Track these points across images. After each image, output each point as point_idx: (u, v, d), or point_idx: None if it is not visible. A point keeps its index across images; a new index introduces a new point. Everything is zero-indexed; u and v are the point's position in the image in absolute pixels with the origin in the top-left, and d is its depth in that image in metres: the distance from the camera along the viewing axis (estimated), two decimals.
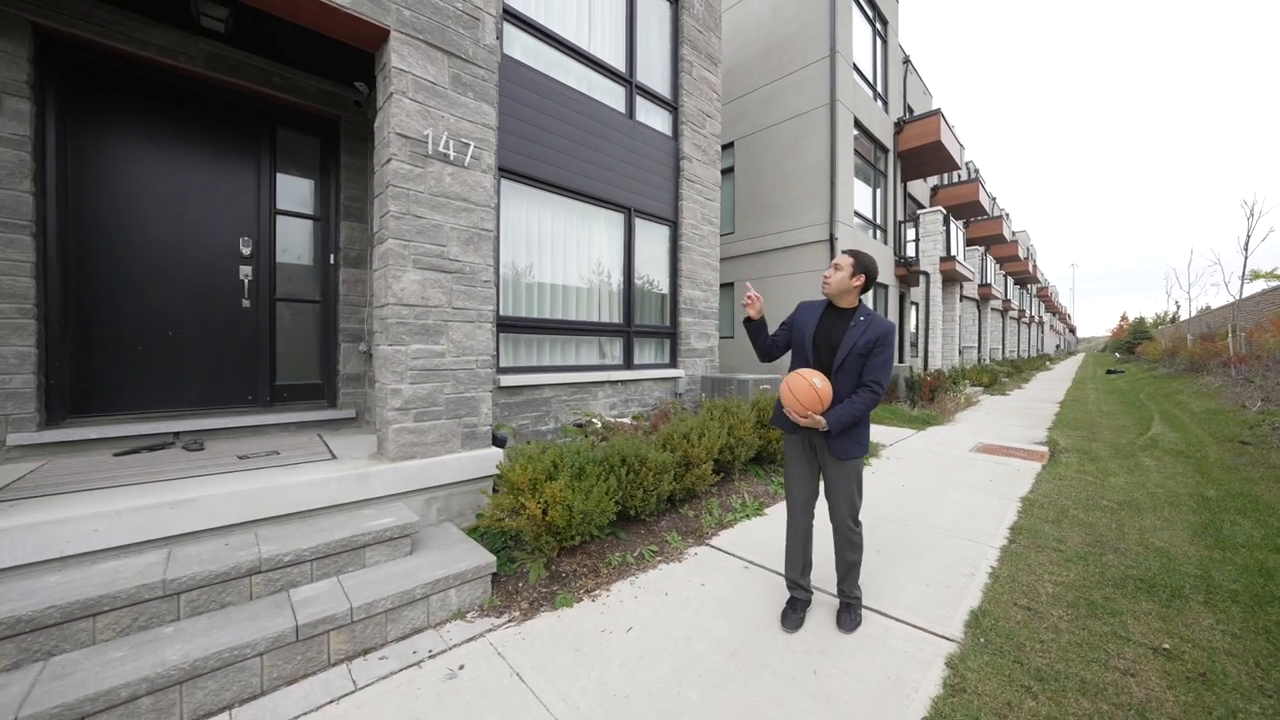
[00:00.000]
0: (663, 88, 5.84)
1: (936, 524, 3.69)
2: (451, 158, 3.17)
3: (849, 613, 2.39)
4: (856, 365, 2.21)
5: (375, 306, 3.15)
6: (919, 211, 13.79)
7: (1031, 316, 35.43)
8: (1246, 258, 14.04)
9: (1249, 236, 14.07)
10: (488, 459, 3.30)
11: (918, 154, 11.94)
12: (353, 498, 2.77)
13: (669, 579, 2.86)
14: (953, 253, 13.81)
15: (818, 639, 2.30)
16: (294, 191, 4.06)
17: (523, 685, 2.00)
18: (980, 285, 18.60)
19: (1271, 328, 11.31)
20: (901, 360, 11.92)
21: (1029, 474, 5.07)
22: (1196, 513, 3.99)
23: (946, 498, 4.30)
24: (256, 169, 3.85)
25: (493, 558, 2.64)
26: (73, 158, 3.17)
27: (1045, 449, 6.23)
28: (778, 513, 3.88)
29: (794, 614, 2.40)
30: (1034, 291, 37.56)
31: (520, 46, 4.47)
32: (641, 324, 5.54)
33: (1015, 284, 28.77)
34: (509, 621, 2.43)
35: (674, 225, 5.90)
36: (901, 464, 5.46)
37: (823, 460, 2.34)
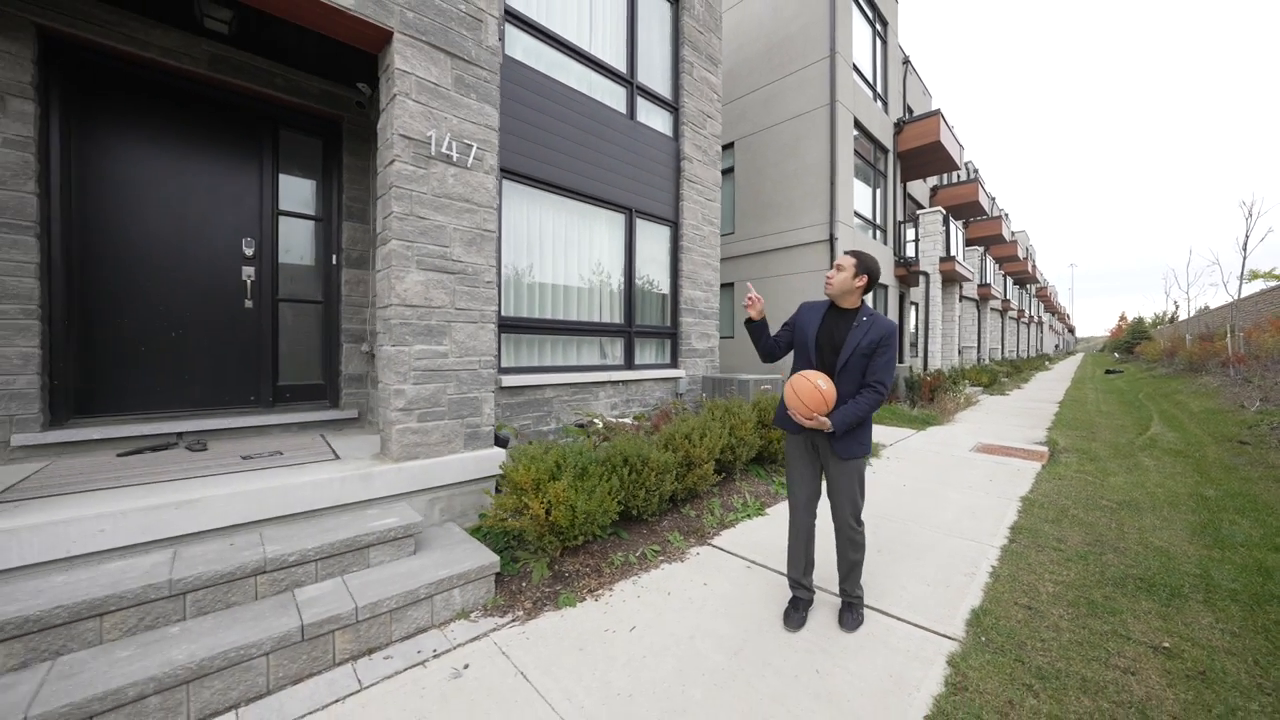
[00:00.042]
0: (663, 88, 5.85)
1: (937, 523, 3.70)
2: (454, 159, 3.18)
3: (851, 612, 2.41)
4: (860, 366, 2.22)
5: (379, 307, 3.16)
6: (919, 212, 13.81)
7: (1030, 316, 35.49)
8: (1245, 258, 14.08)
9: (1247, 237, 14.11)
10: (490, 459, 3.31)
11: (917, 154, 11.96)
12: (356, 498, 2.78)
13: (671, 578, 2.87)
14: (952, 253, 13.83)
15: (820, 638, 2.31)
16: (296, 192, 4.07)
17: (527, 684, 2.01)
18: (980, 285, 18.63)
19: (1270, 328, 11.35)
20: (901, 360, 11.94)
21: (1029, 474, 5.09)
22: (1195, 512, 4.01)
23: (947, 497, 4.32)
24: (259, 170, 3.86)
25: (496, 557, 2.65)
26: (76, 159, 3.17)
27: (1045, 449, 6.25)
28: (779, 512, 3.90)
29: (796, 613, 2.41)
30: (1033, 291, 37.63)
31: (522, 47, 4.48)
32: (642, 324, 5.56)
33: (1014, 284, 28.81)
34: (513, 621, 2.44)
35: (675, 225, 5.91)
36: (902, 464, 5.47)
37: (825, 460, 2.35)
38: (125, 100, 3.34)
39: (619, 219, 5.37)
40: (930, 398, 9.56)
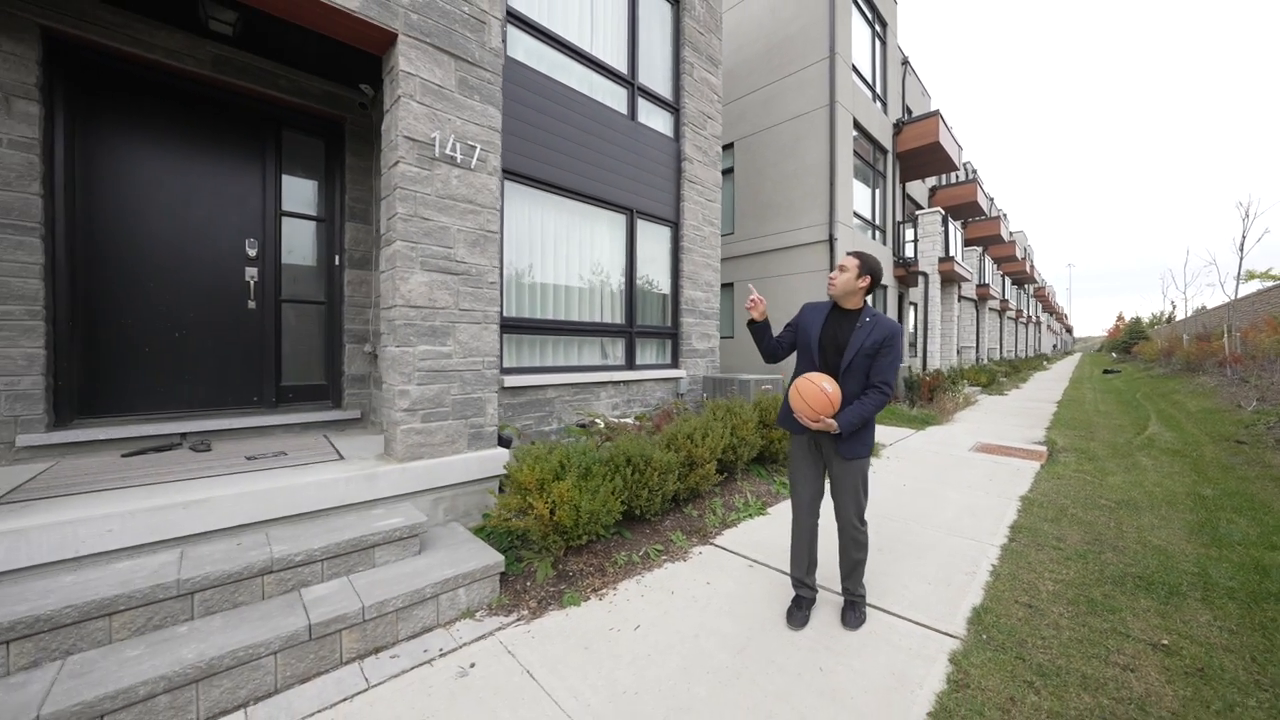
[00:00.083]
0: (664, 89, 5.87)
1: (937, 523, 3.73)
2: (458, 160, 3.19)
3: (853, 610, 2.43)
4: (863, 366, 2.24)
5: (383, 308, 3.17)
6: (917, 212, 13.85)
7: (1029, 316, 35.59)
8: (1242, 258, 14.15)
9: (1244, 237, 14.18)
10: (494, 459, 3.33)
11: (916, 155, 11.99)
12: (361, 498, 2.79)
13: (675, 578, 2.89)
14: (951, 253, 13.88)
15: (823, 636, 2.33)
16: (299, 193, 4.08)
17: (534, 683, 2.03)
18: (978, 285, 18.69)
19: (1266, 328, 11.41)
20: (900, 360, 11.97)
21: (1028, 473, 5.12)
22: (1193, 511, 4.04)
23: (947, 497, 4.34)
24: (262, 171, 3.87)
25: (501, 557, 2.66)
26: (80, 160, 3.18)
27: (1044, 448, 6.28)
28: (780, 512, 3.92)
29: (799, 612, 2.43)
30: (1031, 291, 37.72)
31: (523, 48, 4.49)
32: (643, 324, 5.57)
33: (1013, 284, 28.90)
34: (518, 620, 2.46)
35: (675, 226, 5.93)
36: (902, 464, 5.50)
37: (828, 460, 2.37)
38: (129, 101, 3.34)
39: (620, 219, 5.39)
40: (929, 398, 9.60)
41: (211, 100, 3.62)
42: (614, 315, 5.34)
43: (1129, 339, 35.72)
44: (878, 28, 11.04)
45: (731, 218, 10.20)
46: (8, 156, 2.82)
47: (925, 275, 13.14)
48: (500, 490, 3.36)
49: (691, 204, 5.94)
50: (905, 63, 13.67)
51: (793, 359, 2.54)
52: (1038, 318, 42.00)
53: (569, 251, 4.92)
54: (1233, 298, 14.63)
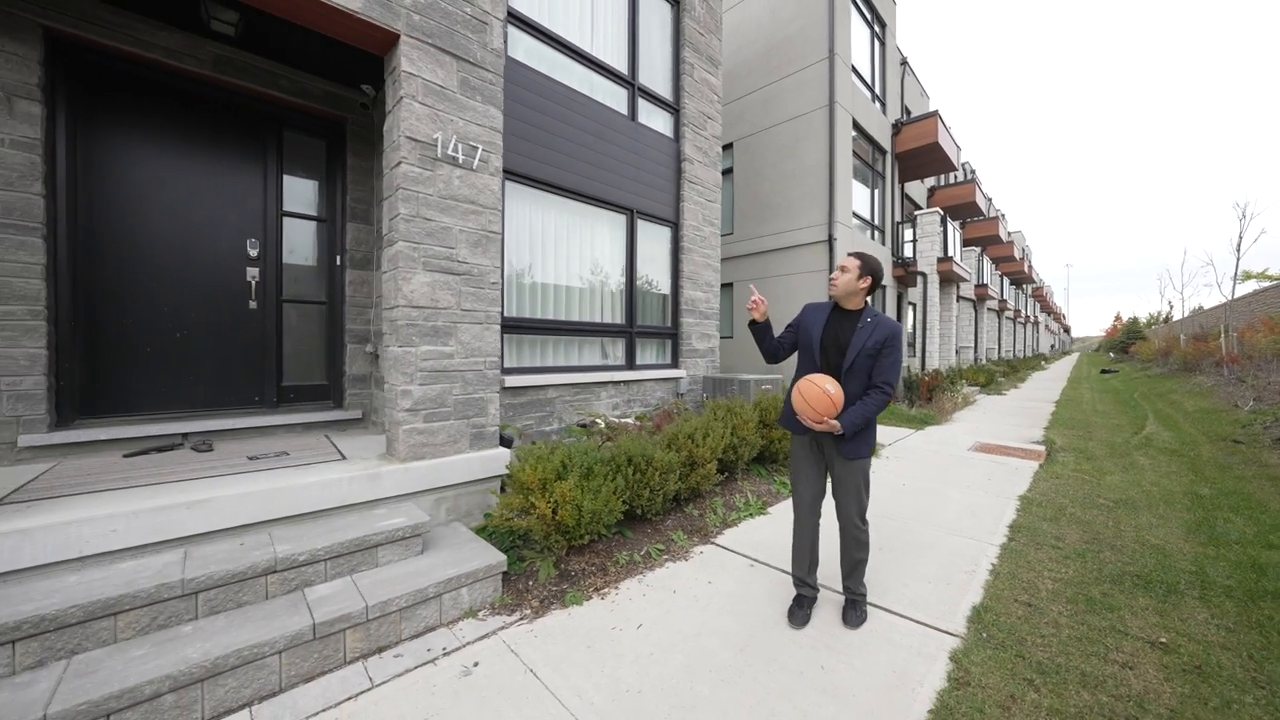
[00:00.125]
0: (664, 90, 5.88)
1: (937, 522, 3.75)
2: (460, 161, 3.20)
3: (854, 609, 2.44)
4: (865, 366, 2.26)
5: (385, 308, 3.18)
6: (916, 212, 13.88)
7: (1027, 316, 35.68)
8: (1239, 259, 14.22)
9: (1241, 238, 14.26)
10: (495, 459, 3.34)
11: (915, 155, 12.02)
12: (364, 498, 2.80)
13: (676, 577, 2.91)
14: (950, 253, 13.91)
15: (824, 635, 2.35)
16: (300, 193, 4.09)
17: (537, 681, 2.04)
18: (977, 285, 18.74)
19: (1263, 328, 11.46)
20: None
21: (1026, 473, 5.14)
22: (1191, 510, 4.07)
23: (946, 496, 4.36)
24: (263, 171, 3.87)
25: (503, 556, 2.67)
26: (82, 160, 3.18)
27: (1042, 448, 6.31)
28: (781, 511, 3.93)
29: (800, 611, 2.44)
30: (1029, 291, 37.82)
31: (524, 49, 4.50)
32: (644, 325, 5.58)
33: (1011, 284, 28.97)
34: (520, 619, 2.47)
35: (675, 226, 5.94)
36: (901, 463, 5.52)
37: (830, 460, 2.38)
38: (130, 101, 3.34)
39: (620, 220, 5.40)
40: (928, 397, 9.63)
41: (212, 100, 3.62)
42: (614, 315, 5.35)
43: (1126, 339, 35.83)
44: (876, 28, 11.06)
45: (731, 218, 10.22)
46: (10, 157, 2.82)
47: (924, 275, 13.17)
48: (502, 490, 3.37)
49: (691, 204, 5.96)
50: (904, 63, 13.70)
51: (793, 359, 2.55)
52: (1036, 318, 42.11)
53: (569, 251, 4.93)
54: (1229, 298, 14.70)
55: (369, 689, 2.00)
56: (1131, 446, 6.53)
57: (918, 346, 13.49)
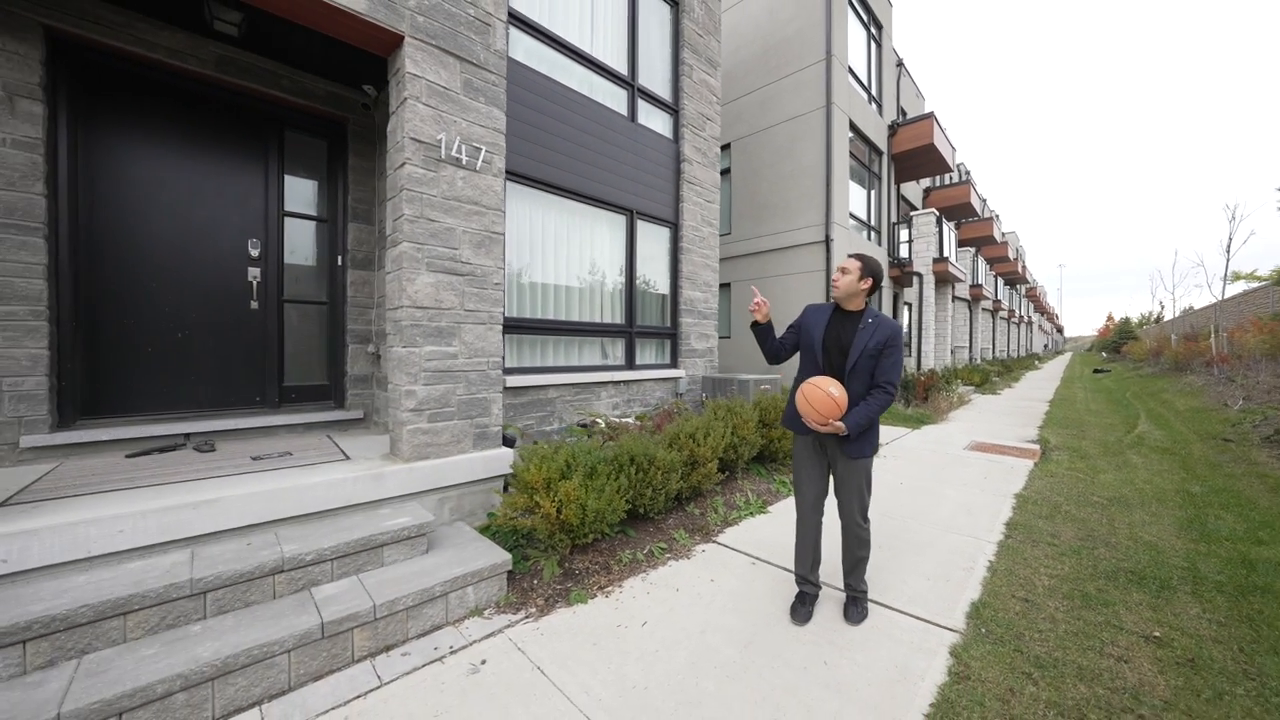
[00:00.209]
0: (663, 90, 5.90)
1: (935, 520, 3.80)
2: (464, 162, 3.21)
3: (856, 606, 2.48)
4: (868, 367, 2.29)
5: (389, 309, 3.19)
6: (912, 213, 13.98)
7: (1021, 316, 35.96)
8: (1228, 260, 14.42)
9: (1231, 239, 14.46)
10: (499, 459, 3.36)
11: (911, 156, 12.10)
12: (368, 498, 2.81)
13: (679, 575, 2.94)
14: (945, 254, 14.02)
15: (826, 631, 2.38)
16: (301, 193, 4.08)
17: (544, 679, 2.06)
18: (972, 286, 18.88)
19: (1252, 328, 11.61)
20: None
21: (1022, 471, 5.21)
22: (1182, 508, 4.14)
23: (943, 495, 4.42)
24: (265, 171, 3.87)
25: (508, 555, 2.69)
26: (83, 160, 3.17)
27: (1037, 447, 6.38)
28: (781, 510, 3.97)
29: (803, 608, 2.48)
30: (1023, 292, 38.13)
31: (524, 49, 4.51)
32: (643, 325, 5.61)
33: (1005, 284, 29.21)
34: (526, 618, 2.49)
35: (675, 227, 5.97)
36: (899, 462, 5.58)
37: (833, 459, 2.41)
38: (132, 101, 3.34)
39: (620, 220, 5.42)
40: (924, 397, 9.70)
41: (214, 100, 3.62)
42: (614, 315, 5.37)
43: (1118, 339, 36.19)
44: (873, 30, 11.13)
45: (728, 218, 10.26)
46: (11, 156, 2.81)
47: (920, 276, 13.26)
48: (505, 489, 3.39)
49: (690, 205, 5.99)
50: (900, 65, 13.78)
51: (795, 360, 2.58)
52: (1029, 318, 42.45)
53: (569, 252, 4.94)
54: (1219, 298, 14.89)
55: (378, 687, 2.01)
56: (1124, 445, 6.62)
57: (913, 346, 13.58)
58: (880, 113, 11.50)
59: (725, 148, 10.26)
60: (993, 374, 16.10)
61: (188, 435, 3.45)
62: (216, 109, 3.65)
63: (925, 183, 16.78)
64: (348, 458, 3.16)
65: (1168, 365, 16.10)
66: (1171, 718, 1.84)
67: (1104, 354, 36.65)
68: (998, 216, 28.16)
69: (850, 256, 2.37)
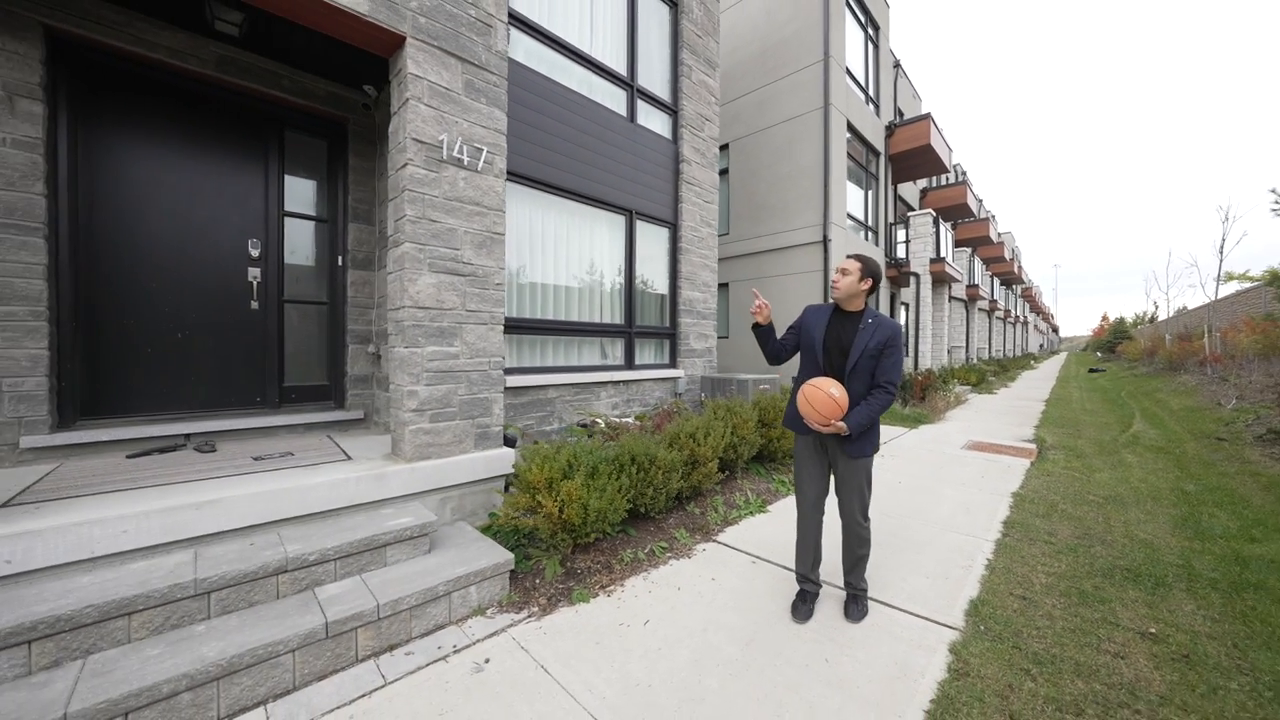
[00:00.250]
0: (662, 91, 5.92)
1: (933, 519, 3.83)
2: (465, 163, 3.22)
3: (856, 604, 2.50)
4: (868, 367, 2.31)
5: (390, 309, 3.19)
6: (909, 214, 14.04)
7: (1016, 316, 36.15)
8: (1222, 260, 14.55)
9: (1224, 240, 14.58)
10: (500, 459, 3.36)
11: (908, 157, 12.16)
12: (371, 498, 2.82)
13: (680, 574, 2.95)
14: (942, 254, 14.09)
15: (827, 629, 2.40)
16: (302, 194, 4.08)
17: (548, 677, 2.07)
18: (968, 286, 18.97)
19: (1245, 328, 11.72)
20: None
21: (1018, 470, 5.25)
22: (1177, 506, 4.18)
23: (941, 494, 4.45)
24: (265, 171, 3.86)
25: (510, 555, 2.70)
26: (83, 160, 3.17)
27: (1033, 446, 6.43)
28: (780, 509, 4.00)
29: (803, 605, 2.50)
30: (1019, 292, 38.32)
31: (524, 50, 4.51)
32: (642, 325, 5.63)
33: (1001, 284, 29.34)
34: (529, 617, 2.50)
35: (673, 227, 5.98)
36: (897, 461, 5.61)
37: (834, 459, 2.44)
38: (132, 101, 3.33)
39: (619, 220, 5.43)
40: (921, 397, 9.76)
41: (215, 100, 3.61)
42: (613, 315, 5.38)
43: (1113, 339, 36.43)
44: (870, 31, 11.18)
45: (726, 218, 10.28)
46: (11, 156, 2.80)
47: (917, 276, 13.33)
48: (506, 489, 3.40)
49: (689, 205, 6.01)
50: (897, 66, 13.84)
51: (795, 360, 2.60)
52: (1025, 318, 42.68)
53: (569, 252, 4.96)
54: (1213, 299, 15.02)
55: (382, 686, 2.02)
56: (1119, 444, 6.68)
57: (911, 346, 13.64)
58: (878, 113, 11.54)
59: (723, 148, 10.28)
60: (989, 374, 16.18)
61: (188, 436, 3.45)
62: (217, 109, 3.64)
63: (922, 183, 16.85)
64: (349, 458, 3.16)
65: (1162, 365, 16.23)
66: (1167, 712, 1.87)
67: (1099, 354, 36.89)
68: (994, 217, 28.31)
69: (849, 257, 2.39)
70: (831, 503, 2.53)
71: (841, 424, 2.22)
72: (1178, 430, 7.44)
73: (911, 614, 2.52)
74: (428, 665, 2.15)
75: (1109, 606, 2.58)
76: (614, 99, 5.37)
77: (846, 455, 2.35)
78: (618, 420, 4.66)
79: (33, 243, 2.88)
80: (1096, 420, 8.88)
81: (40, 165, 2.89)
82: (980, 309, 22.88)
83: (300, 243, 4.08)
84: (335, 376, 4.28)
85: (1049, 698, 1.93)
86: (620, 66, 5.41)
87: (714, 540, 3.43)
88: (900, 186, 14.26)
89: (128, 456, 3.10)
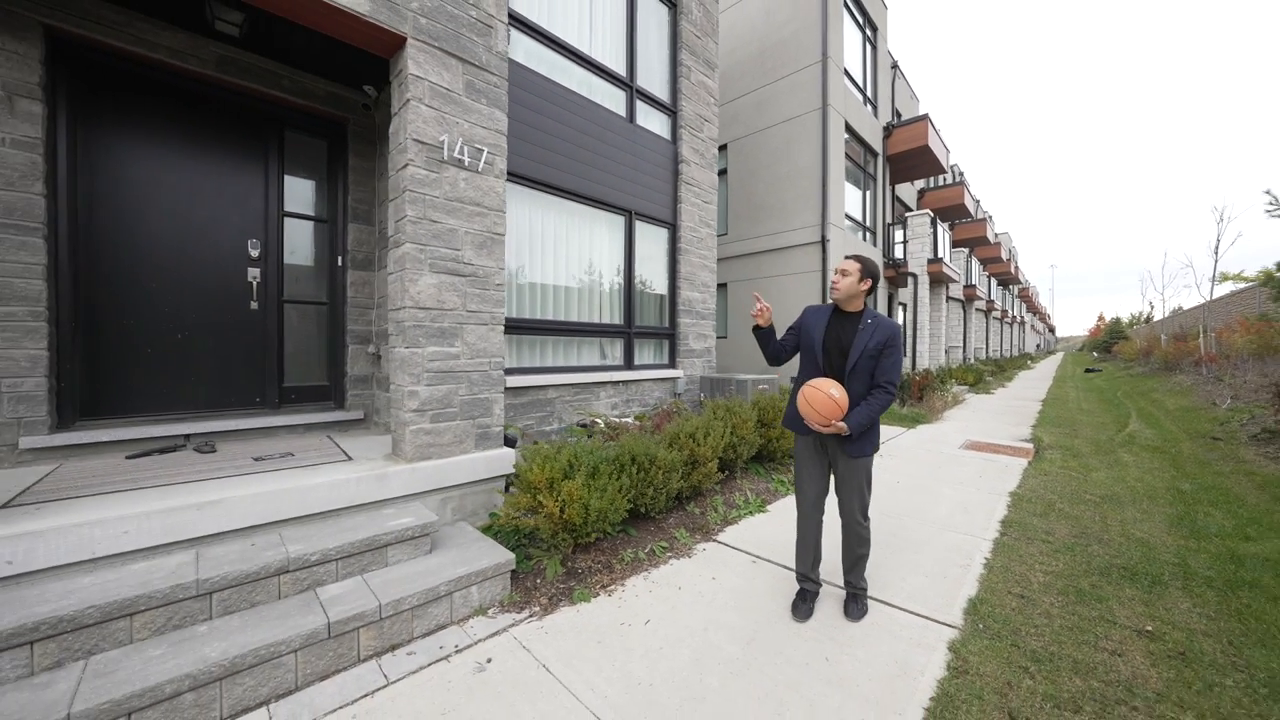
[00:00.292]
0: (661, 92, 5.93)
1: (931, 518, 3.85)
2: (466, 163, 3.22)
3: (856, 603, 2.51)
4: (868, 367, 2.32)
5: (391, 309, 3.20)
6: (907, 214, 14.08)
7: (1013, 316, 36.29)
8: (1217, 261, 14.64)
9: (1219, 240, 14.67)
10: (500, 459, 3.37)
11: (906, 158, 12.20)
12: (372, 498, 2.82)
13: (680, 574, 2.96)
14: (940, 254, 14.13)
15: (827, 628, 2.42)
16: (301, 194, 4.08)
17: (550, 676, 2.08)
18: (965, 286, 19.04)
19: (1239, 328, 11.79)
20: None
21: (1016, 470, 5.28)
22: (1173, 505, 4.21)
23: (939, 493, 4.47)
24: (265, 171, 3.86)
25: (512, 555, 2.71)
26: (83, 160, 3.16)
27: (1030, 446, 6.47)
28: (780, 509, 4.01)
29: (804, 605, 2.51)
30: (1015, 292, 38.45)
31: (523, 50, 4.52)
32: (641, 325, 5.64)
33: (998, 285, 29.45)
34: (530, 617, 2.51)
35: (673, 228, 6.00)
36: (895, 461, 5.63)
37: (834, 458, 2.45)
38: (132, 101, 3.32)
39: (618, 221, 5.44)
40: (919, 397, 9.79)
41: (215, 100, 3.61)
42: (613, 316, 5.39)
43: (1109, 339, 36.56)
44: (868, 32, 11.21)
45: (725, 218, 10.30)
46: (11, 156, 2.80)
47: (914, 276, 13.37)
48: (507, 489, 3.41)
49: (688, 206, 6.02)
50: (895, 67, 13.88)
51: (795, 360, 2.62)
52: (1022, 318, 42.84)
53: (568, 252, 4.96)
54: (1208, 299, 15.10)
55: (384, 686, 2.03)
56: (1116, 444, 6.72)
57: (909, 346, 13.69)
58: (875, 114, 11.58)
59: (722, 149, 10.30)
60: (986, 374, 16.24)
61: (188, 436, 3.44)
62: (217, 109, 3.64)
63: (920, 184, 16.91)
64: (350, 458, 3.16)
65: (1158, 365, 16.31)
66: (1164, 709, 1.89)
67: (1095, 354, 37.04)
68: (991, 217, 28.41)
69: (849, 258, 2.40)
70: (831, 502, 2.54)
71: (842, 424, 2.24)
72: (1173, 430, 7.49)
73: (911, 613, 2.54)
74: (430, 665, 2.16)
75: (1106, 605, 2.60)
76: (613, 100, 5.38)
77: (846, 455, 2.37)
78: (617, 420, 4.67)
79: (32, 243, 2.87)
80: (1093, 420, 8.92)
81: (40, 165, 2.88)
82: (977, 309, 22.96)
83: (300, 243, 4.08)
84: (335, 377, 4.28)
85: (1047, 695, 1.95)
86: (619, 67, 5.42)
87: (714, 540, 3.44)
88: (898, 187, 14.30)
89: (128, 457, 3.09)
